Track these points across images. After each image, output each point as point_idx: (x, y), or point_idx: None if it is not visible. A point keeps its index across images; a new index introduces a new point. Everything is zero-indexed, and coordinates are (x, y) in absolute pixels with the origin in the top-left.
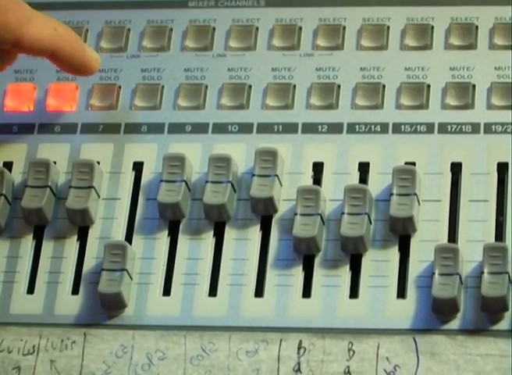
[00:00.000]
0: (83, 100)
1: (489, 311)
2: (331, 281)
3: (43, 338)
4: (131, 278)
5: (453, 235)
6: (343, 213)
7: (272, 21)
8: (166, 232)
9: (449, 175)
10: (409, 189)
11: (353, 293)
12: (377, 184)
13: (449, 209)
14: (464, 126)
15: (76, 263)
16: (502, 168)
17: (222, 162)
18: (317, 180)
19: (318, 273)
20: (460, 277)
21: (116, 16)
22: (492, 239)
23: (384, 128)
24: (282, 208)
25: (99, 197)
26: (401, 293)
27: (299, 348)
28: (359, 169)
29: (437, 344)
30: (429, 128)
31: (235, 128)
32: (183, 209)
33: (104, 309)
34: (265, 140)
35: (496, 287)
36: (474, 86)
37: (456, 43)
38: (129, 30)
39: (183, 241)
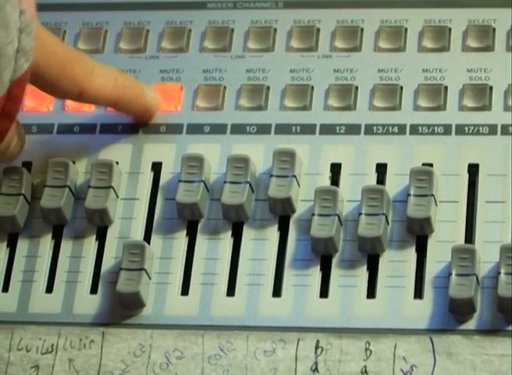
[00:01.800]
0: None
1: (506, 311)
2: (348, 281)
3: (61, 337)
4: (149, 278)
5: (470, 236)
6: (360, 214)
7: (290, 22)
8: (184, 232)
9: (467, 176)
10: (426, 190)
11: (371, 293)
12: (394, 185)
13: (466, 210)
14: (481, 128)
15: (94, 263)
16: None
17: (240, 163)
18: (334, 180)
19: (336, 273)
20: (477, 278)
21: (135, 17)
22: (508, 240)
23: (401, 129)
24: (300, 208)
25: (118, 197)
26: (418, 293)
27: (316, 348)
28: (376, 170)
29: (454, 344)
30: (447, 129)
31: (253, 129)
32: (201, 209)
33: (123, 309)
34: (283, 141)
35: None
36: (491, 88)
37: (474, 45)
38: (148, 31)
39: (201, 240)
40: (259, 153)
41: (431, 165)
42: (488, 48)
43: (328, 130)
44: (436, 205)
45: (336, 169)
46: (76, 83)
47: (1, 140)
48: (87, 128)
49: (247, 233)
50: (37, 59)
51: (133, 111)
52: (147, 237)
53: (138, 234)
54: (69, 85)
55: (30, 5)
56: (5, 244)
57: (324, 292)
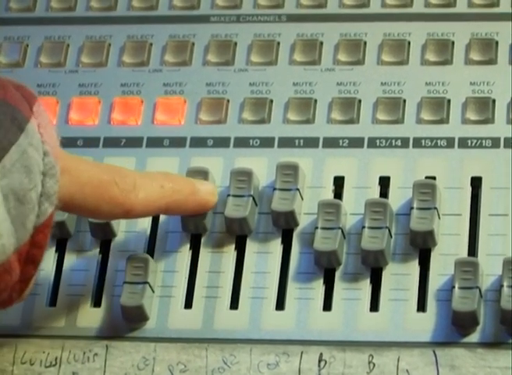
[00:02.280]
0: (104, 114)
1: (509, 324)
2: (351, 294)
3: (65, 350)
4: (153, 291)
5: (472, 249)
6: (363, 227)
7: (293, 36)
8: (188, 245)
9: (470, 189)
10: (429, 203)
11: (374, 306)
12: (397, 198)
13: (469, 223)
14: (484, 141)
15: (98, 276)
16: None
17: (243, 176)
18: (338, 194)
19: (339, 286)
20: (480, 291)
21: (139, 31)
22: (511, 253)
23: (404, 143)
24: (303, 221)
25: None
26: (421, 306)
27: (319, 361)
28: (380, 184)
29: (457, 357)
30: (449, 143)
31: (256, 142)
32: (204, 223)
33: (126, 322)
34: (286, 154)
35: None
36: (494, 101)
37: (477, 58)
38: (151, 44)
39: (204, 254)
40: (262, 166)
41: (434, 178)
42: (491, 62)
43: (331, 143)
44: (439, 218)
45: (339, 182)
46: (118, 205)
47: (26, 286)
48: (90, 141)
49: (251, 246)
50: (72, 193)
51: (186, 211)
52: (151, 251)
53: (142, 248)
54: (112, 208)
55: (53, 146)
56: None
57: (327, 305)
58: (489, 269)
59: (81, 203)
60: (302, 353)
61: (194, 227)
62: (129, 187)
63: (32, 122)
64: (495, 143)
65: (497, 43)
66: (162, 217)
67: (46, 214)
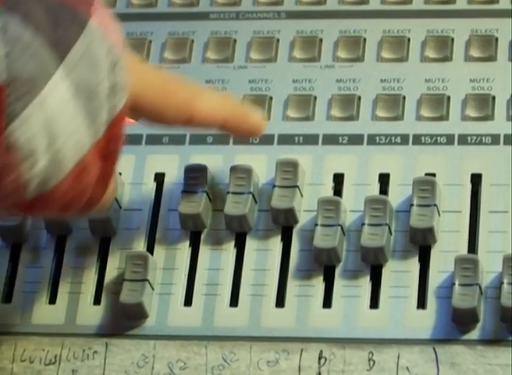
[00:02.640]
0: None
1: (509, 321)
2: (351, 292)
3: (65, 348)
4: (153, 288)
5: (473, 246)
6: (363, 224)
7: (292, 33)
8: (188, 243)
9: (469, 186)
10: (429, 200)
11: (374, 303)
12: (397, 195)
13: (469, 220)
14: (483, 138)
15: (97, 273)
16: None
17: (243, 173)
18: (337, 191)
19: (339, 283)
20: (480, 288)
21: (137, 28)
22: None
23: (404, 139)
24: (303, 219)
25: (121, 207)
26: (421, 303)
27: (319, 358)
28: (379, 181)
29: (457, 354)
30: (449, 139)
31: (256, 139)
32: (204, 220)
33: (126, 319)
34: (286, 151)
35: None
36: (493, 97)
37: (476, 55)
38: (150, 41)
39: (204, 251)
40: (262, 163)
41: (434, 175)
42: (491, 58)
43: (330, 140)
44: (439, 214)
45: (338, 179)
46: (183, 110)
47: (108, 183)
48: None
49: (250, 243)
50: (139, 92)
51: (241, 130)
52: (151, 248)
53: (141, 245)
54: (177, 113)
55: (117, 41)
56: (8, 254)
57: (327, 302)
58: (489, 266)
59: (148, 104)
60: (302, 350)
61: (193, 225)
62: (194, 94)
63: (93, 19)
64: (495, 140)
65: (497, 39)
66: (162, 214)
67: (118, 106)
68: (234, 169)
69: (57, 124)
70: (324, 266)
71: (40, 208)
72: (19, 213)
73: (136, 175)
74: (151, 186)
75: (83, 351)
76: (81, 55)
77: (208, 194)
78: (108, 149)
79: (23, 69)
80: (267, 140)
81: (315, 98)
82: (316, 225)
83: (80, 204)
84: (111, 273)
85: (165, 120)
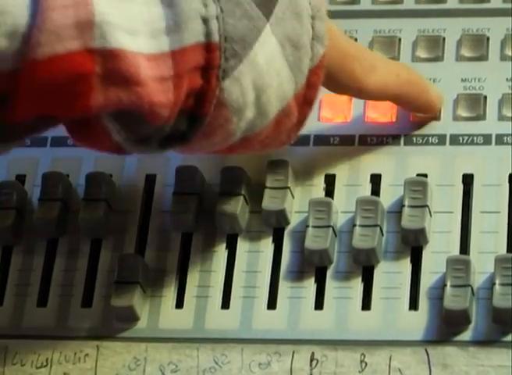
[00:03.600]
0: None
1: (501, 322)
2: (343, 293)
3: (56, 351)
4: (144, 291)
5: (464, 246)
6: (354, 225)
7: None
8: (179, 245)
9: (461, 186)
10: (421, 201)
11: (366, 305)
12: (389, 196)
13: (460, 221)
14: (475, 138)
15: (88, 276)
16: None
17: (234, 174)
18: (329, 192)
19: (330, 284)
20: (472, 289)
21: None
22: (503, 250)
23: (395, 140)
24: (294, 220)
25: (111, 209)
26: (413, 304)
27: (311, 360)
28: (371, 181)
29: (449, 355)
30: (441, 140)
31: None
32: (195, 222)
33: (117, 322)
34: (277, 152)
35: (508, 299)
36: (485, 97)
37: (468, 54)
38: None
39: (195, 253)
40: (253, 164)
41: (425, 175)
42: (483, 58)
43: (322, 141)
44: (431, 215)
45: (330, 180)
46: (354, 80)
47: (302, 126)
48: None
49: (242, 245)
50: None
51: (414, 106)
52: (142, 250)
53: (132, 247)
54: (348, 81)
55: None
56: None
57: (319, 304)
58: (481, 266)
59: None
60: (294, 352)
61: (185, 226)
62: (369, 67)
63: None
64: (486, 140)
65: (488, 39)
66: (153, 215)
67: (318, 55)
68: (225, 170)
69: (265, 78)
70: (315, 267)
71: (240, 149)
72: (219, 152)
73: (127, 176)
74: (142, 187)
75: (75, 354)
76: (286, 8)
77: (199, 195)
78: (307, 95)
79: (234, 28)
80: None
81: None
82: (307, 226)
83: (277, 143)
84: (102, 275)
85: (334, 85)
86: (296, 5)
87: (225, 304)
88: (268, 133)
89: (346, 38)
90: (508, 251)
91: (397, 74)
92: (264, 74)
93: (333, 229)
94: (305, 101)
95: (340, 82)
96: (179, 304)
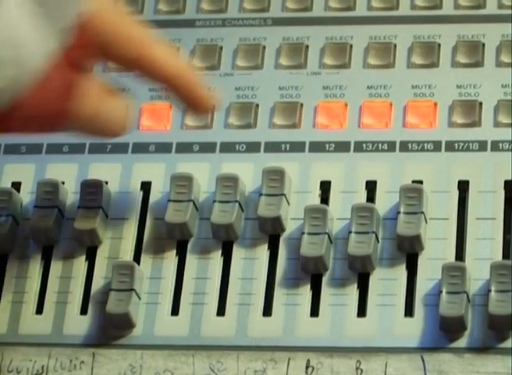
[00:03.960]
0: None
1: (496, 329)
2: (339, 300)
3: (52, 358)
4: (139, 298)
5: (460, 253)
6: (350, 232)
7: (278, 40)
8: (174, 252)
9: (457, 193)
10: (416, 207)
11: (361, 312)
12: (384, 203)
13: (456, 227)
14: (471, 144)
15: (84, 283)
16: (509, 186)
17: (229, 182)
18: (324, 198)
19: (326, 291)
20: (468, 295)
21: None
22: (499, 257)
23: (391, 146)
24: (290, 227)
25: (107, 217)
26: (409, 311)
27: (307, 367)
28: (366, 188)
29: (445, 362)
30: (436, 146)
31: (242, 147)
32: (190, 229)
33: (113, 329)
34: (273, 159)
35: (504, 305)
36: (480, 104)
37: (463, 61)
38: None
39: (191, 260)
40: (248, 172)
41: (421, 182)
42: (478, 64)
43: (317, 147)
44: (426, 222)
45: (325, 187)
46: (135, 47)
47: (72, 89)
48: (76, 148)
49: (237, 252)
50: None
51: (188, 97)
52: (137, 257)
53: (128, 254)
54: (128, 46)
55: None
56: None
57: (314, 311)
58: (477, 273)
59: (101, 26)
60: (289, 359)
61: (180, 233)
62: (150, 39)
63: None
64: (482, 146)
65: (484, 45)
66: (148, 223)
67: (79, 14)
68: (220, 178)
69: (19, 33)
70: (311, 274)
71: (18, 120)
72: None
73: (122, 184)
74: (138, 195)
75: (70, 361)
76: None
77: (194, 202)
78: (74, 57)
79: None
80: (253, 147)
81: (302, 105)
82: (303, 233)
83: (52, 114)
84: (97, 282)
85: (112, 50)
86: None
87: (221, 311)
88: (38, 96)
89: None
90: (504, 257)
91: (176, 56)
92: (18, 29)
93: (329, 236)
94: (72, 62)
95: (119, 47)
96: (175, 311)
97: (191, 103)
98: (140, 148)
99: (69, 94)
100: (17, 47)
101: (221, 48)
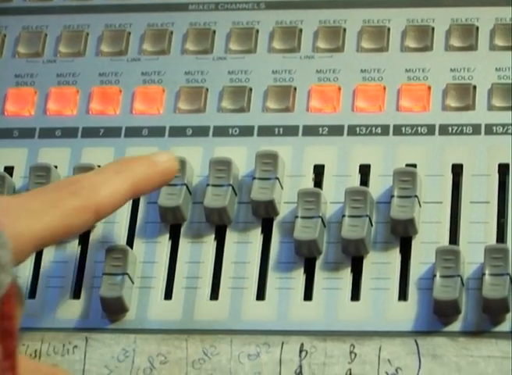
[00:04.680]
0: (83, 104)
1: (491, 312)
2: (332, 284)
3: (44, 343)
4: (132, 282)
5: (454, 237)
6: (343, 216)
7: (272, 23)
8: (167, 236)
9: (450, 176)
10: (410, 191)
11: (355, 295)
12: (378, 186)
13: (450, 211)
14: (464, 128)
15: (77, 268)
16: (503, 169)
17: (222, 166)
18: (318, 182)
19: (320, 275)
20: (462, 279)
21: (117, 20)
22: (493, 241)
23: (385, 130)
24: (283, 211)
25: None
26: (402, 295)
27: (300, 351)
28: (360, 172)
29: (439, 346)
30: (430, 130)
31: (235, 131)
32: (183, 213)
33: (106, 313)
34: (266, 143)
35: (498, 289)
36: (474, 87)
37: (457, 44)
38: (129, 33)
39: (184, 244)
40: (242, 155)
41: (414, 165)
42: (472, 48)
43: (311, 131)
44: (420, 206)
45: (319, 170)
46: (85, 212)
47: (15, 362)
48: (68, 132)
49: (231, 236)
50: (36, 231)
51: (154, 186)
52: (130, 242)
53: (121, 239)
54: (82, 218)
55: None
56: None
57: (308, 295)
58: (471, 257)
59: (51, 232)
60: (283, 343)
61: (173, 217)
62: (87, 189)
63: None
64: (476, 130)
65: (477, 29)
66: (141, 207)
67: (5, 285)
68: (214, 162)
69: None
70: (305, 258)
71: None
72: None
73: None
74: None
75: (63, 345)
76: None
77: (187, 186)
78: (4, 327)
79: None
80: (247, 131)
81: (295, 89)
82: (296, 217)
83: None
84: (90, 266)
85: (77, 230)
86: None
87: (214, 295)
88: None
89: (40, 193)
90: (498, 241)
91: (117, 172)
92: None
93: (322, 219)
94: (4, 333)
95: (77, 225)
96: (168, 295)
97: (161, 183)
98: (133, 131)
99: (11, 361)
100: None
101: (214, 31)
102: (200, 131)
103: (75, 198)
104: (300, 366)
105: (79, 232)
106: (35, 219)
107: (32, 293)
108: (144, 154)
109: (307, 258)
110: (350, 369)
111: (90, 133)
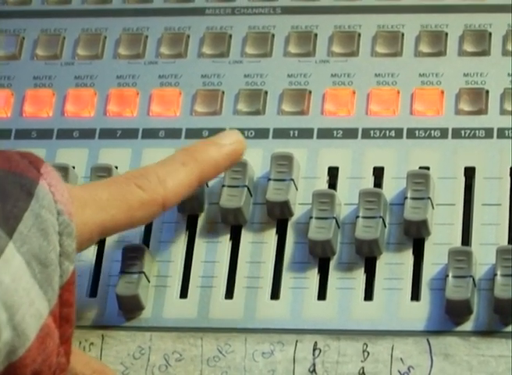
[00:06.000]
0: (100, 106)
1: (502, 313)
2: (346, 284)
3: None
4: (149, 281)
5: (466, 238)
6: (357, 217)
7: (287, 28)
8: (183, 235)
9: (463, 179)
10: (423, 193)
11: (368, 295)
12: (391, 188)
13: (462, 213)
14: (477, 132)
15: (94, 266)
16: None
17: (238, 167)
18: (332, 184)
19: (333, 275)
20: (474, 280)
21: (134, 23)
22: (504, 242)
23: (398, 133)
24: (298, 211)
25: None
26: (415, 295)
27: (314, 350)
28: (374, 174)
29: (450, 345)
30: (443, 133)
31: (251, 133)
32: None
33: (122, 311)
34: (281, 145)
35: (509, 290)
36: (487, 92)
37: (470, 49)
38: (146, 36)
39: (200, 244)
40: (257, 157)
41: (427, 168)
42: (485, 53)
43: (325, 134)
44: (433, 207)
45: (333, 172)
46: (151, 205)
47: (69, 347)
48: (86, 133)
49: (246, 236)
50: (100, 221)
51: (222, 170)
52: (147, 241)
53: (137, 238)
54: (147, 211)
55: (66, 203)
56: None
57: (322, 294)
58: (483, 258)
59: (115, 224)
60: (297, 342)
61: (191, 208)
62: (154, 183)
63: (41, 184)
64: (488, 133)
65: (490, 34)
66: None
67: (68, 272)
68: None
69: (14, 297)
70: (319, 258)
71: None
72: None
73: (132, 168)
74: None
75: (80, 342)
76: (31, 225)
77: (203, 187)
78: (63, 313)
79: None
80: (262, 134)
81: (310, 92)
82: (311, 218)
83: (50, 368)
84: (107, 265)
85: (140, 222)
86: (42, 222)
87: (229, 294)
88: (34, 357)
89: (110, 183)
90: (509, 242)
91: (182, 164)
92: (13, 293)
93: (336, 220)
94: (62, 319)
95: (141, 217)
96: (184, 294)
97: (234, 163)
98: (150, 133)
99: (67, 347)
100: (14, 309)
101: (230, 36)
102: (216, 133)
103: (142, 192)
104: (314, 365)
105: (144, 223)
106: (102, 210)
107: None
108: (201, 141)
109: (321, 258)
110: (362, 368)
111: (108, 134)
